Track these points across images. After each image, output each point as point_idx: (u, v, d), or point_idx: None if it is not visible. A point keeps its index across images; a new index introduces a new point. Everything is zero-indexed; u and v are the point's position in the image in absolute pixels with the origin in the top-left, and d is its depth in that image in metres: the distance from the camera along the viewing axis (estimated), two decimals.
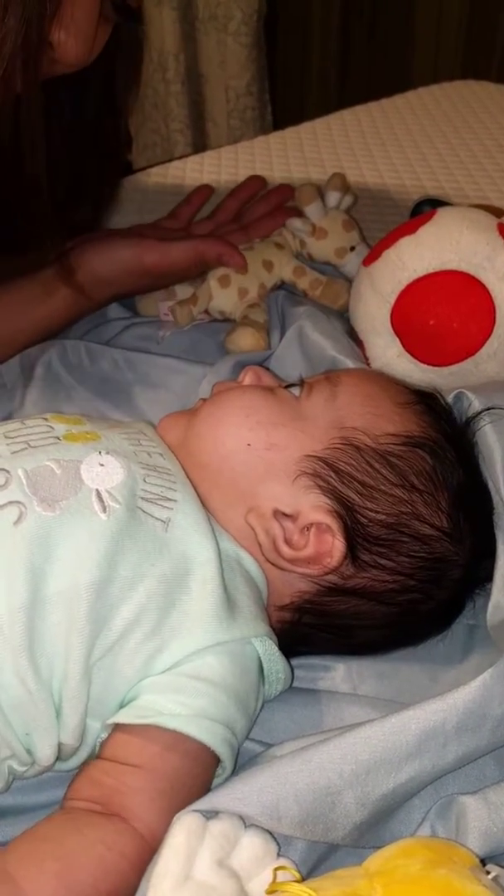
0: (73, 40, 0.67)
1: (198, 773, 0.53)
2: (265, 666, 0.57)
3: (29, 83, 0.66)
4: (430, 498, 0.61)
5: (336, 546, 0.59)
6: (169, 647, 0.54)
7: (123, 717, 0.52)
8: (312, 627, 0.62)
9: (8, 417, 0.83)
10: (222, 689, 0.53)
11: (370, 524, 0.60)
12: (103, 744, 0.54)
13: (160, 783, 0.51)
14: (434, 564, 0.61)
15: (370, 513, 0.60)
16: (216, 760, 0.53)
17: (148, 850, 0.49)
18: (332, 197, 0.99)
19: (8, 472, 0.56)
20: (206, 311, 0.93)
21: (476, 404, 0.69)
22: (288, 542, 0.60)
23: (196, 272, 0.94)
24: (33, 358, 0.88)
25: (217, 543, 0.57)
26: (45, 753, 0.53)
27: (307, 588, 0.61)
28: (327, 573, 0.60)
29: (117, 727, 0.53)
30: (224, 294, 0.92)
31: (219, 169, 1.40)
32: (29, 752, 0.53)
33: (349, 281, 0.95)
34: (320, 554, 0.59)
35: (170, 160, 1.50)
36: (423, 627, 0.64)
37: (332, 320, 0.89)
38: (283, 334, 0.89)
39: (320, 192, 0.98)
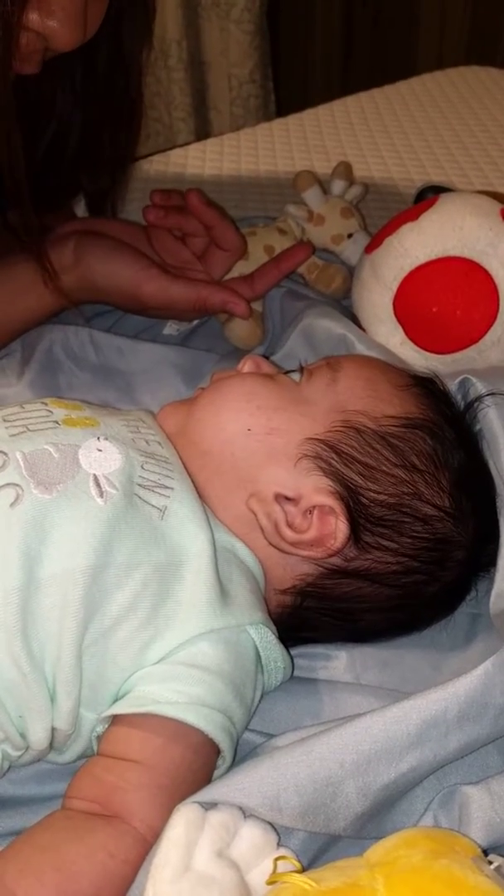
0: (63, 27, 0.65)
1: (198, 768, 0.52)
2: (262, 654, 0.57)
3: None
4: (431, 478, 0.61)
5: (339, 528, 0.59)
6: (163, 636, 0.53)
7: (120, 709, 0.52)
8: (315, 611, 0.62)
9: (5, 401, 0.83)
10: (218, 677, 0.53)
11: (372, 505, 0.60)
12: (102, 738, 0.53)
13: (161, 779, 0.51)
14: (437, 545, 0.61)
15: (372, 494, 0.60)
16: (216, 753, 0.53)
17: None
18: (337, 185, 0.99)
19: (6, 454, 0.56)
20: None
21: (479, 388, 0.68)
22: (290, 525, 0.59)
23: (195, 316, 0.90)
24: (33, 342, 0.88)
25: (212, 533, 0.57)
26: (38, 737, 0.53)
27: (310, 571, 0.60)
28: (330, 555, 0.59)
29: (115, 720, 0.53)
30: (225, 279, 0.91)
31: (221, 157, 1.39)
32: (22, 735, 0.53)
33: (348, 267, 0.95)
34: (323, 536, 0.59)
35: (172, 148, 1.49)
36: (428, 611, 0.64)
37: (335, 308, 0.89)
38: (282, 327, 0.88)
39: (319, 180, 0.98)
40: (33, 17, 0.64)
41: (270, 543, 0.60)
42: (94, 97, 0.84)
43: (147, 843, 0.48)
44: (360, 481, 0.60)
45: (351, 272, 0.93)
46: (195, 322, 0.93)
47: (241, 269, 0.92)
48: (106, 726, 0.53)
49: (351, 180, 1.00)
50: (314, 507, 0.59)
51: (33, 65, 0.69)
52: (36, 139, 0.84)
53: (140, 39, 0.83)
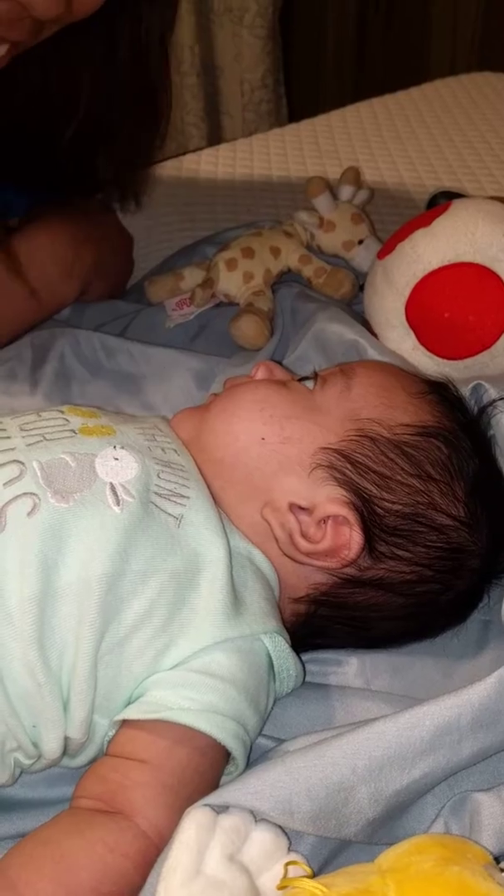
0: None
1: (205, 770, 0.52)
2: (275, 663, 0.56)
3: None
4: (446, 487, 0.61)
5: (354, 538, 0.59)
6: (177, 644, 0.53)
7: (131, 714, 0.52)
8: (329, 620, 0.62)
9: (20, 409, 0.83)
10: (232, 685, 0.53)
11: (387, 515, 0.59)
12: (111, 740, 0.53)
13: (166, 778, 0.51)
14: (451, 554, 0.61)
15: (387, 503, 0.59)
16: (225, 757, 0.53)
17: (152, 849, 0.48)
18: (346, 191, 0.99)
19: (23, 463, 0.56)
20: (213, 294, 0.94)
21: (492, 393, 0.68)
22: (304, 535, 0.59)
23: None
24: (45, 349, 0.88)
25: (228, 541, 0.56)
26: (51, 747, 0.53)
27: (324, 580, 0.60)
28: (345, 566, 0.59)
29: (125, 723, 0.53)
30: (230, 277, 0.92)
31: (233, 162, 1.40)
32: (35, 744, 0.53)
33: (359, 274, 0.95)
34: (338, 546, 0.59)
35: (184, 153, 1.49)
36: (441, 619, 0.64)
37: (346, 312, 0.89)
38: (293, 328, 0.88)
39: (330, 185, 0.98)
40: None
41: (284, 553, 0.60)
42: (118, 85, 0.84)
43: (149, 841, 0.49)
44: (375, 491, 0.59)
45: (362, 278, 0.93)
46: (197, 311, 0.93)
47: (247, 268, 0.92)
48: (117, 729, 0.53)
49: (359, 185, 1.01)
50: (328, 517, 0.59)
51: (23, 32, 0.69)
52: (61, 128, 0.85)
53: (160, 23, 0.84)
